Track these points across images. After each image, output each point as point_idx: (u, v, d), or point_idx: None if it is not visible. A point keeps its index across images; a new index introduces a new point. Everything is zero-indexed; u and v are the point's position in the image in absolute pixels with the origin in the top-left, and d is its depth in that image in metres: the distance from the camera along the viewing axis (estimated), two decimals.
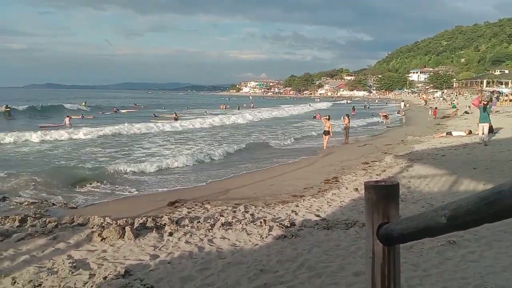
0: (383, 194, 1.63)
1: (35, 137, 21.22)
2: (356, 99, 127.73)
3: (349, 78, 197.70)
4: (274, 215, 7.82)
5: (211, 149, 18.41)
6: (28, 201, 9.36)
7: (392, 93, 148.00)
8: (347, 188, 9.91)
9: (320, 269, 5.02)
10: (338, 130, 25.11)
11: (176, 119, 35.74)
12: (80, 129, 24.81)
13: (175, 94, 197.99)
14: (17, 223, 7.25)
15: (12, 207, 8.97)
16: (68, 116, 33.63)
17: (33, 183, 11.14)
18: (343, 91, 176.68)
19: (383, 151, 16.28)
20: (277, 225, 6.87)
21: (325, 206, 8.35)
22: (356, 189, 9.58)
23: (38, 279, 4.87)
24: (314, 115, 43.14)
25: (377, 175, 11.30)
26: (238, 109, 62.88)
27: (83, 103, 55.82)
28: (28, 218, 7.56)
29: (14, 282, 4.80)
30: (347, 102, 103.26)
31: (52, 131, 23.83)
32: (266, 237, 6.41)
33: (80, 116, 38.79)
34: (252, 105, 73.57)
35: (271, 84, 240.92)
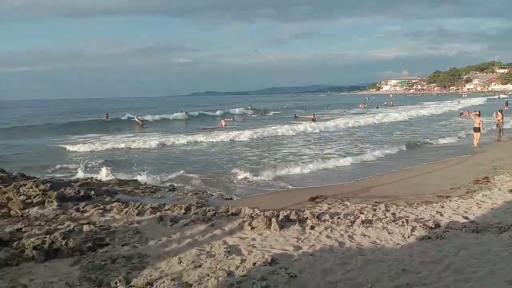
0: None
1: (201, 138, 23.00)
2: (510, 93, 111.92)
3: (502, 71, 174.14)
4: (417, 215, 7.32)
5: (360, 149, 18.04)
6: (192, 192, 10.39)
7: None
8: (499, 190, 8.78)
9: (468, 274, 4.54)
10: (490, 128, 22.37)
11: (313, 120, 35.84)
12: (240, 131, 26.04)
13: (315, 96, 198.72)
14: (183, 211, 8.10)
15: (179, 196, 10.06)
16: (224, 120, 36.64)
17: (196, 177, 12.34)
18: (495, 85, 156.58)
19: None
20: (420, 226, 6.42)
21: (474, 208, 7.52)
22: (511, 191, 8.41)
23: (199, 261, 5.37)
24: (461, 112, 39.22)
25: None
26: (377, 107, 59.89)
27: (249, 107, 59.86)
28: (191, 206, 8.40)
29: (180, 262, 5.37)
30: (498, 97, 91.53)
31: (214, 132, 25.90)
32: (409, 237, 6.04)
33: (232, 119, 41.66)
34: (391, 103, 69.07)
35: (413, 81, 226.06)
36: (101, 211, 8.06)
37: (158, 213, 7.81)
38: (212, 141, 22.32)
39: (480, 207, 7.56)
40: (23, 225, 7.00)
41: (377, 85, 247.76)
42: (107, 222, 7.40)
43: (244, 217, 7.37)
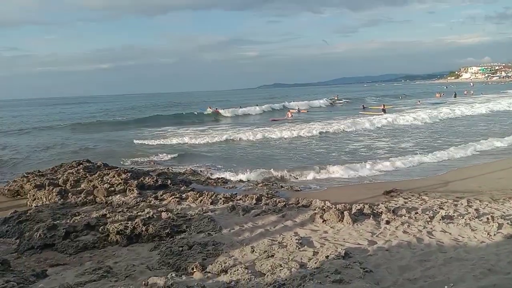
0: None
1: (276, 132, 22.66)
2: None
3: None
4: (504, 212, 6.79)
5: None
6: (262, 183, 10.50)
7: None
8: None
9: None
10: None
11: (384, 111, 34.18)
12: (308, 124, 25.62)
13: (389, 85, 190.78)
14: (254, 201, 8.22)
15: (250, 187, 10.22)
16: (289, 111, 36.63)
17: (266, 169, 12.45)
18: None
19: None
20: (508, 223, 5.94)
21: None
22: None
23: (271, 250, 5.42)
24: None
25: None
26: (455, 96, 55.26)
27: (336, 96, 59.17)
28: (262, 197, 8.50)
29: (253, 251, 5.46)
30: None
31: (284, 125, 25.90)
32: (495, 235, 5.61)
33: (296, 110, 41.35)
34: (472, 92, 63.45)
35: (497, 67, 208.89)
36: (177, 199, 8.44)
37: (231, 203, 8.01)
38: (282, 136, 22.10)
39: None
40: (107, 212, 7.54)
41: (456, 72, 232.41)
42: (183, 210, 7.73)
43: (315, 209, 7.31)
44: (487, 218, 6.27)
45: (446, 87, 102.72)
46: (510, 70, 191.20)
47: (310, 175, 11.36)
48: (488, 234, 5.67)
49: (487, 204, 7.37)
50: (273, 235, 6.20)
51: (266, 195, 8.82)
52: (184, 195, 8.72)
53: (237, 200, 8.44)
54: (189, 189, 9.61)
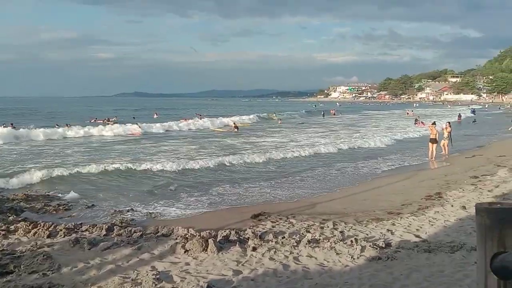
0: (499, 219, 1.49)
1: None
2: (462, 103, 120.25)
3: (454, 80, 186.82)
4: (367, 234, 7.59)
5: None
6: (115, 210, 10.05)
7: (505, 96, 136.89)
8: (452, 206, 9.34)
9: None
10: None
11: (236, 128, 35.53)
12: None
13: (264, 101, 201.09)
14: (104, 232, 7.81)
15: (100, 214, 9.69)
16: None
17: (118, 190, 11.98)
18: (447, 94, 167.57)
19: (496, 163, 15.13)
20: (370, 245, 6.66)
21: (426, 226, 7.94)
22: (464, 207, 8.99)
23: None
24: (416, 123, 41.27)
25: (488, 191, 10.52)
26: (323, 116, 60.25)
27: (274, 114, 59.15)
28: (114, 227, 8.12)
29: None
30: (450, 106, 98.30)
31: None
32: (358, 258, 6.24)
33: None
34: (333, 112, 67.84)
35: (363, 88, 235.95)
36: (3, 232, 7.57)
37: (74, 235, 7.49)
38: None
39: (432, 225, 7.99)
40: None
41: (326, 91, 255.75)
42: (11, 245, 6.96)
43: (176, 239, 7.25)
44: (351, 241, 6.94)
45: (316, 106, 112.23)
46: (375, 91, 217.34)
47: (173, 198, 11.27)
48: (352, 257, 6.27)
49: (351, 226, 8.16)
50: (126, 271, 5.95)
51: (119, 224, 8.46)
52: (12, 227, 7.87)
53: (82, 231, 7.91)
54: (19, 218, 8.71)
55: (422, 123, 39.64)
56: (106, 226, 8.04)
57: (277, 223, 8.62)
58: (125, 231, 7.85)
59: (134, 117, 50.85)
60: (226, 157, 18.19)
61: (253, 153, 19.75)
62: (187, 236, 7.34)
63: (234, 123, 38.02)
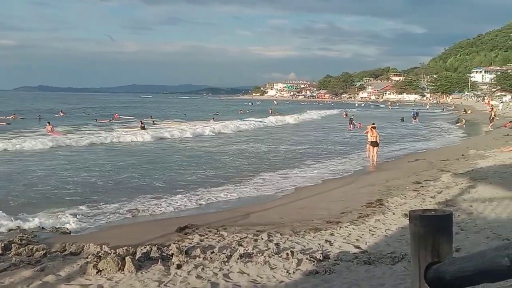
0: (433, 227, 1.58)
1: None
2: (405, 103, 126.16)
3: (397, 78, 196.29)
4: (304, 246, 7.75)
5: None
6: (15, 225, 9.55)
7: (450, 96, 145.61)
8: (394, 214, 9.77)
9: None
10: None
11: (143, 128, 35.81)
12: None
13: (197, 99, 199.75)
14: None
15: None
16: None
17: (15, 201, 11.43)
18: (390, 94, 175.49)
19: (439, 168, 16.00)
20: (307, 258, 6.80)
21: (367, 236, 8.24)
22: (406, 215, 9.41)
23: None
24: (352, 122, 42.43)
25: (431, 197, 11.10)
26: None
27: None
28: (12, 245, 7.71)
29: None
30: (390, 107, 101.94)
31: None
32: (294, 272, 6.35)
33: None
34: (271, 111, 68.73)
35: (302, 85, 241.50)
36: None
37: None
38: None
39: (373, 234, 8.31)
40: None
41: (262, 88, 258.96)
42: None
43: (87, 257, 7.01)
44: (287, 254, 7.05)
45: (252, 103, 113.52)
46: (314, 89, 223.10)
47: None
48: (287, 272, 6.37)
49: (287, 238, 8.30)
50: None
51: (19, 242, 8.04)
52: None
53: None
54: None
55: (356, 124, 40.59)
56: (2, 244, 7.62)
57: (206, 236, 8.59)
58: (25, 249, 7.48)
59: (40, 116, 48.69)
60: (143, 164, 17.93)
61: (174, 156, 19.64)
62: (100, 254, 7.12)
63: (141, 122, 38.43)
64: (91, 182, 14.73)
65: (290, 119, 54.08)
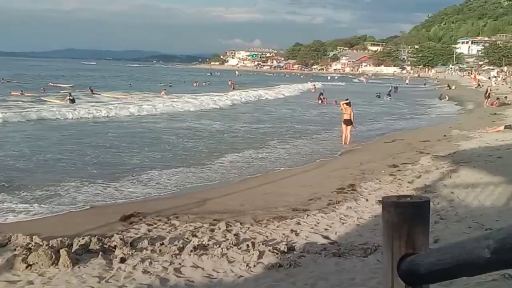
0: (408, 215, 1.60)
1: None
2: (383, 77, 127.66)
3: (375, 48, 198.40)
4: (267, 236, 7.82)
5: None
6: None
7: (433, 70, 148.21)
8: (367, 200, 9.95)
9: None
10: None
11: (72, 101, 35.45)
12: None
13: (150, 67, 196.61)
14: None
15: None
16: None
17: None
18: (366, 66, 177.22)
19: (418, 150, 16.34)
20: (269, 250, 6.87)
21: (337, 225, 8.37)
22: (380, 201, 9.60)
23: None
24: (321, 96, 43.01)
25: (409, 182, 11.35)
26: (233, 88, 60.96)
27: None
28: None
29: None
30: (365, 81, 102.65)
31: None
32: (255, 266, 6.41)
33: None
34: (230, 83, 67.57)
35: (268, 54, 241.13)
36: None
37: None
38: None
39: (343, 223, 8.45)
40: None
41: (222, 57, 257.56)
42: None
43: (15, 250, 6.90)
44: (247, 245, 7.11)
45: (211, 74, 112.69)
46: (282, 59, 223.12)
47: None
48: (247, 265, 6.43)
49: (248, 228, 8.35)
50: None
51: None
52: None
53: None
54: None
55: (325, 100, 41.61)
56: None
57: (155, 226, 8.55)
58: None
59: None
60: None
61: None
62: (30, 246, 7.01)
63: (70, 94, 37.89)
64: (9, 165, 14.35)
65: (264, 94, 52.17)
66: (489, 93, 39.55)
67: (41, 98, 37.84)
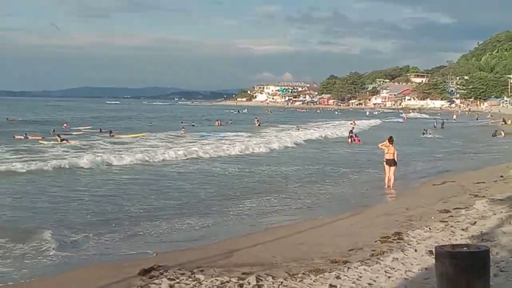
0: (466, 266, 1.59)
1: None
2: (429, 111, 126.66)
3: (419, 80, 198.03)
4: None
5: None
6: None
7: (485, 103, 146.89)
8: (416, 251, 9.78)
9: None
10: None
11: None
12: None
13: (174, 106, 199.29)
14: None
15: None
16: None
17: None
18: (410, 99, 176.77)
19: (472, 193, 16.09)
20: None
21: (382, 279, 8.23)
22: (431, 252, 9.42)
23: None
24: (350, 136, 43.05)
25: (463, 229, 11.15)
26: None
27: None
28: None
29: None
30: (405, 118, 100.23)
31: None
32: None
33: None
34: (257, 122, 69.71)
35: (300, 89, 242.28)
36: None
37: None
38: None
39: (389, 277, 8.29)
40: None
41: (249, 92, 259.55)
42: None
43: None
44: None
45: (238, 112, 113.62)
46: (315, 93, 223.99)
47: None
48: None
49: (281, 282, 8.25)
50: None
51: None
52: None
53: None
54: None
55: (356, 138, 41.70)
56: None
57: (177, 281, 8.52)
58: None
59: None
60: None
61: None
62: None
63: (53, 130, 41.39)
64: None
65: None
66: None
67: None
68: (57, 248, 11.27)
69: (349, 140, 42.04)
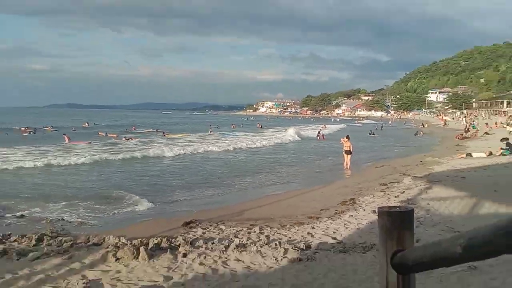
0: (398, 221, 1.58)
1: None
2: (372, 118, 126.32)
3: (366, 98, 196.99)
4: (290, 237, 7.73)
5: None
6: (46, 219, 9.47)
7: (410, 113, 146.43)
8: (364, 210, 9.77)
9: None
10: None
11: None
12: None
13: (208, 114, 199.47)
14: (33, 242, 7.31)
15: (29, 224, 9.07)
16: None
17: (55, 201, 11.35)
18: (360, 111, 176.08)
19: (402, 172, 16.03)
20: (292, 248, 6.79)
21: (342, 229, 8.23)
22: (374, 211, 9.41)
23: None
24: (319, 134, 42.92)
25: (395, 196, 11.12)
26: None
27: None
28: (44, 237, 7.63)
29: None
30: (357, 122, 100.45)
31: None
32: (281, 260, 6.33)
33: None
34: (259, 125, 71.14)
35: (288, 104, 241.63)
36: None
37: (1, 246, 6.94)
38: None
39: (347, 228, 8.30)
40: None
41: (254, 106, 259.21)
42: None
43: (107, 247, 6.95)
44: (275, 244, 7.03)
45: (247, 119, 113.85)
46: (298, 106, 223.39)
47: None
48: (276, 259, 6.35)
49: (276, 231, 8.27)
50: (56, 280, 5.61)
51: (50, 234, 7.97)
52: None
53: (10, 241, 7.36)
54: None
55: (323, 136, 41.51)
56: (36, 236, 7.54)
57: (208, 229, 8.54)
58: (55, 241, 7.42)
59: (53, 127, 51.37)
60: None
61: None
62: (118, 244, 7.06)
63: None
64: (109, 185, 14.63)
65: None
66: (468, 128, 38.96)
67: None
68: (133, 208, 11.37)
69: (318, 137, 41.84)
